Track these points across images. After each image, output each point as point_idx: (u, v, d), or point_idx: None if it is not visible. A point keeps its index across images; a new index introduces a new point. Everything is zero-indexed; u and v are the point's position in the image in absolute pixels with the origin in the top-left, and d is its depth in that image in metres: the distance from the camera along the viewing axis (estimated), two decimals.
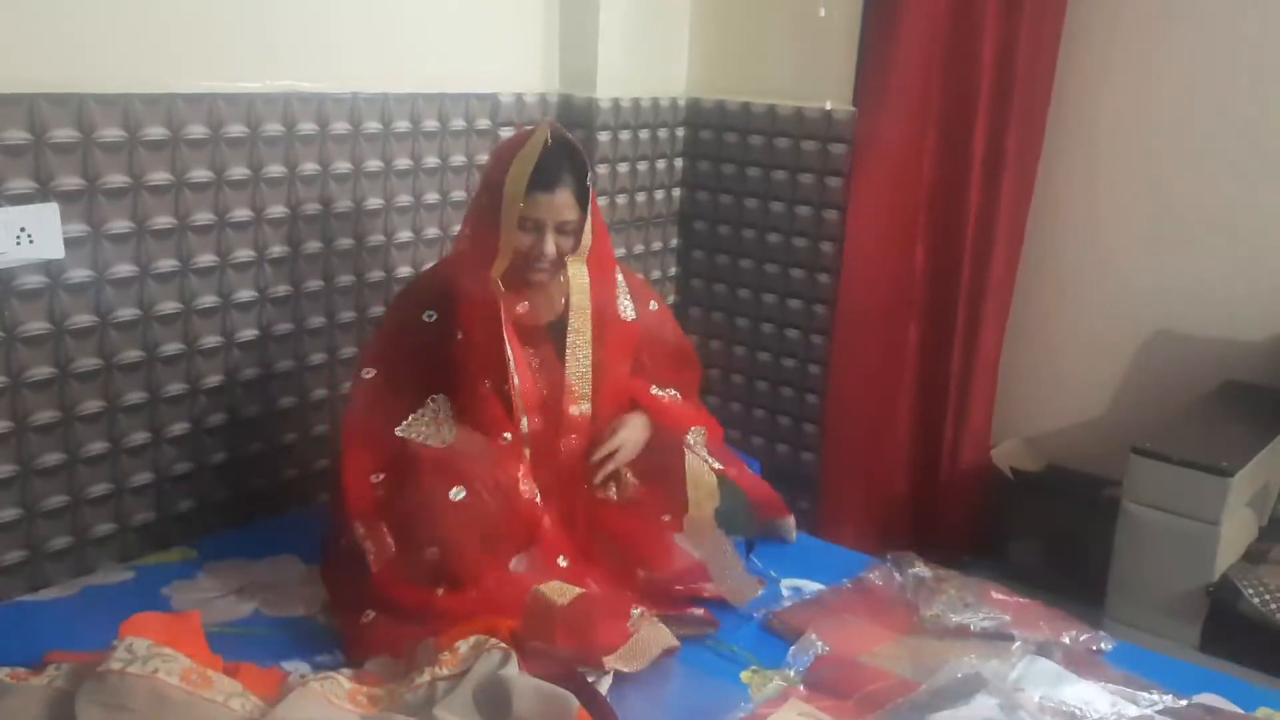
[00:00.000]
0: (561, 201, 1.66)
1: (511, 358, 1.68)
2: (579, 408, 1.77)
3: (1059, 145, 2.47)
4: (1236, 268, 2.36)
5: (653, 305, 1.91)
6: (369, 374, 1.73)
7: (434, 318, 1.73)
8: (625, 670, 1.50)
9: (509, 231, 1.65)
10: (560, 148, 1.67)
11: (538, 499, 1.69)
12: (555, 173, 1.65)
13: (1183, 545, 1.95)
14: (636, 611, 1.60)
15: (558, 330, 1.77)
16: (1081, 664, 1.56)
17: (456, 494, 1.60)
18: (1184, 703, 1.48)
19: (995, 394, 2.58)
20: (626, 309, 1.85)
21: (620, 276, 1.87)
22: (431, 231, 2.21)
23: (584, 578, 1.65)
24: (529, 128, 1.72)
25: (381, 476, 1.64)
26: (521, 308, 1.75)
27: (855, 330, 2.48)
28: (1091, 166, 2.49)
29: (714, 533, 1.77)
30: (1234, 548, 2.03)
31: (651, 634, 1.56)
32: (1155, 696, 1.48)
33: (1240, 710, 1.49)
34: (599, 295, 1.78)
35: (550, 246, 1.68)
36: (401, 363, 1.73)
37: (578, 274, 1.76)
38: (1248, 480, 1.98)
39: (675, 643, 1.57)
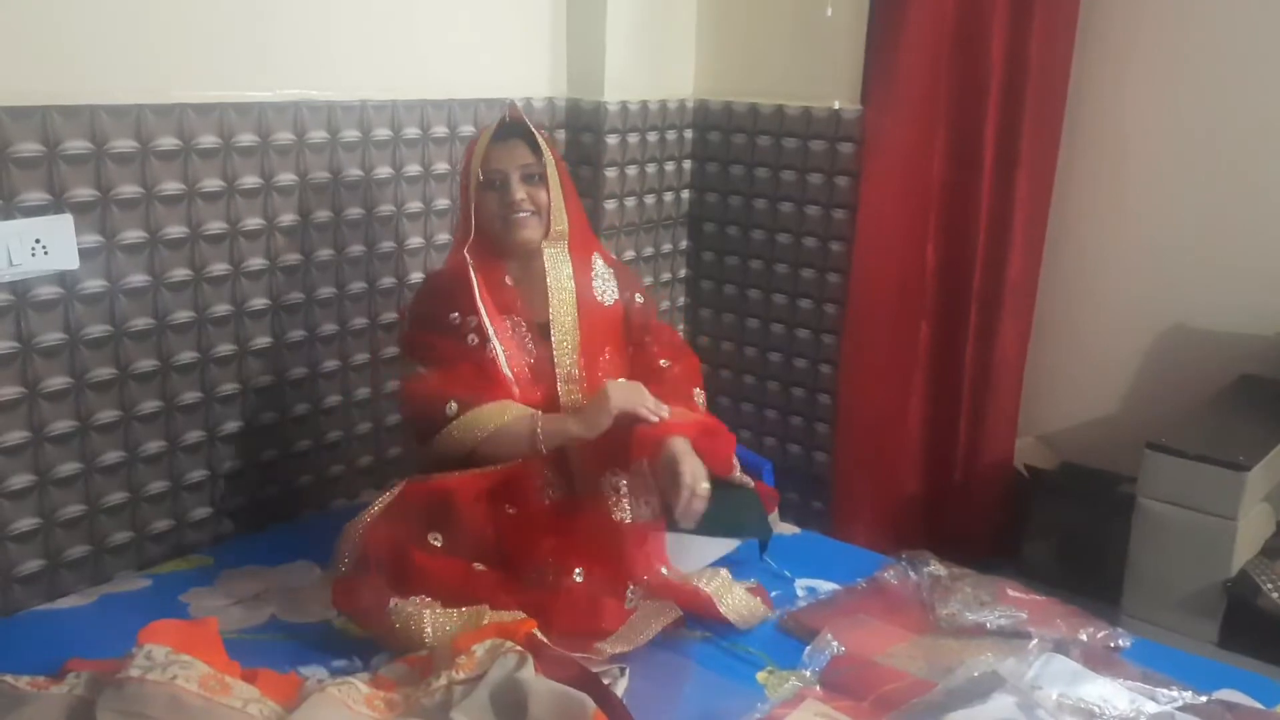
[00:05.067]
0: (516, 148, 1.75)
1: (490, 326, 1.72)
2: (569, 398, 1.77)
3: (1076, 143, 2.46)
4: (1253, 261, 2.34)
5: (638, 299, 1.91)
6: (421, 371, 1.77)
7: (459, 319, 1.75)
8: (622, 651, 1.51)
9: (473, 199, 1.75)
10: (516, 121, 1.77)
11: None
12: (508, 130, 1.77)
13: (1200, 541, 1.94)
14: (632, 590, 1.61)
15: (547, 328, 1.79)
16: (1099, 661, 1.54)
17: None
18: (1204, 699, 1.47)
19: (1020, 394, 2.54)
20: (605, 294, 1.85)
21: (599, 260, 1.87)
22: (442, 237, 2.22)
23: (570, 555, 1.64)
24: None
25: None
26: (508, 279, 1.78)
27: (866, 330, 2.46)
28: (1108, 163, 2.47)
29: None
30: (1252, 543, 2.01)
31: (651, 609, 1.57)
32: (1174, 693, 1.47)
33: (1261, 706, 1.47)
34: (581, 282, 1.81)
35: (519, 192, 1.74)
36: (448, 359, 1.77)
37: (556, 263, 1.78)
38: (1264, 475, 1.97)
39: (678, 613, 1.58)
